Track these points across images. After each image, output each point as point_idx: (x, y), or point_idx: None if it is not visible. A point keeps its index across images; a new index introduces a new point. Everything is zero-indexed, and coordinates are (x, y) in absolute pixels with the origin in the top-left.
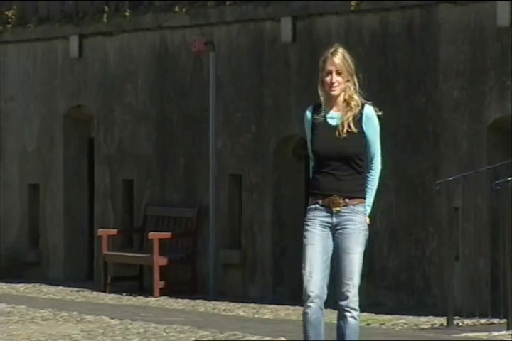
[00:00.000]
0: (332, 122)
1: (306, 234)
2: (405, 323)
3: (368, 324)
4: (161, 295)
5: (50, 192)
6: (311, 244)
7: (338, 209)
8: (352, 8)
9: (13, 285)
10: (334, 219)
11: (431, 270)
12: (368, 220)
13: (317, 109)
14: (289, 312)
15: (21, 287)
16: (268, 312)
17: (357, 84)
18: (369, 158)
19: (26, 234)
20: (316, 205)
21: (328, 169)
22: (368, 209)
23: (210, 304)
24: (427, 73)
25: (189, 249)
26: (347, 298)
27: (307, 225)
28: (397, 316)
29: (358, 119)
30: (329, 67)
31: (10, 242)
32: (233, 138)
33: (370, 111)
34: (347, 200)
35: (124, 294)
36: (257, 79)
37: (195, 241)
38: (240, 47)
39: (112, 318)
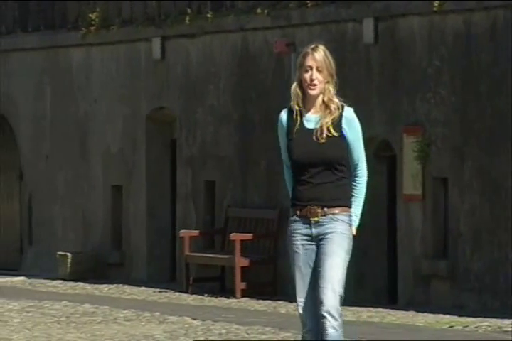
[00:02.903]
0: (309, 125)
1: (291, 253)
2: (489, 326)
3: (451, 326)
4: (242, 296)
5: (133, 193)
6: (297, 265)
7: (316, 219)
8: (435, 8)
9: (97, 285)
10: (314, 230)
11: None
12: (354, 231)
13: (292, 111)
14: (371, 314)
15: (105, 287)
16: (350, 314)
17: (336, 88)
18: (353, 165)
19: (110, 235)
20: (295, 217)
21: (307, 176)
22: (356, 220)
23: (292, 305)
24: (511, 74)
25: (270, 250)
26: (324, 303)
27: (291, 242)
28: (480, 318)
29: (337, 122)
30: (309, 63)
31: (94, 243)
32: None
33: (350, 114)
34: (326, 209)
35: (206, 295)
36: (338, 80)
37: (277, 243)
38: None
39: (194, 319)
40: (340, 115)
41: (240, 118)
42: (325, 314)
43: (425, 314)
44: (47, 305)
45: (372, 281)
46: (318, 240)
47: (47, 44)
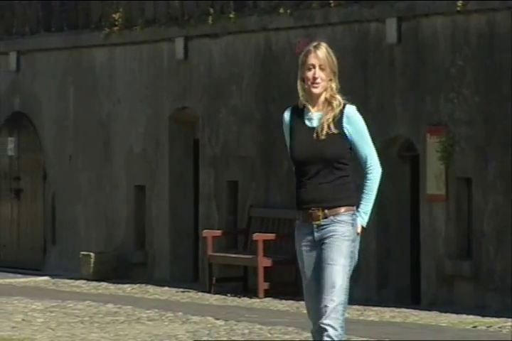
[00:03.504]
0: (310, 124)
1: (298, 257)
2: None
3: (474, 326)
4: (265, 296)
5: (156, 193)
6: (302, 271)
7: (317, 222)
8: (458, 8)
9: (120, 285)
10: (316, 234)
11: None
12: (358, 230)
13: (296, 110)
14: (394, 315)
15: (128, 287)
16: (373, 314)
17: (338, 86)
18: (362, 163)
19: (133, 235)
20: (298, 221)
21: (307, 177)
22: (365, 218)
23: None
24: None
25: (293, 250)
26: (324, 313)
27: (297, 248)
28: (504, 319)
29: (338, 120)
30: (312, 61)
31: (117, 243)
32: None
33: (351, 111)
34: (326, 211)
35: (229, 295)
36: (361, 80)
37: None
38: (345, 48)
39: (217, 319)
40: (341, 112)
41: (263, 118)
42: (324, 326)
43: (448, 314)
44: (70, 305)
45: (396, 281)
46: (320, 244)
47: (70, 44)
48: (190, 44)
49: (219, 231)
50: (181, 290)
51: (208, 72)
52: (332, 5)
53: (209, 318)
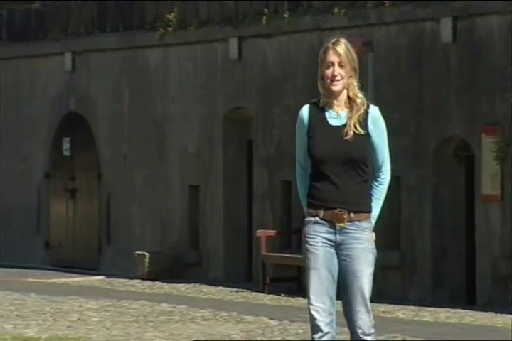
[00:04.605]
0: (334, 122)
1: (308, 255)
2: None
3: None
4: None
5: (210, 193)
6: (314, 268)
7: (341, 225)
8: None
9: (174, 285)
10: (338, 237)
11: None
12: (373, 236)
13: (315, 107)
14: (449, 315)
15: (182, 287)
16: (428, 314)
17: (360, 83)
18: (377, 166)
19: (187, 235)
20: (316, 218)
21: (331, 176)
22: (373, 222)
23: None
24: None
25: None
26: (360, 326)
27: (308, 244)
28: None
29: (363, 120)
30: (331, 58)
31: (171, 242)
32: (391, 139)
33: (376, 112)
34: (352, 215)
35: (283, 295)
36: (416, 79)
37: None
38: (399, 47)
39: (271, 319)
40: (366, 112)
41: None
42: (362, 336)
43: (504, 315)
44: (125, 305)
45: (451, 281)
46: (341, 248)
47: (125, 45)
48: (244, 44)
49: (273, 231)
50: (235, 289)
51: (262, 72)
52: (386, 4)
53: (263, 318)
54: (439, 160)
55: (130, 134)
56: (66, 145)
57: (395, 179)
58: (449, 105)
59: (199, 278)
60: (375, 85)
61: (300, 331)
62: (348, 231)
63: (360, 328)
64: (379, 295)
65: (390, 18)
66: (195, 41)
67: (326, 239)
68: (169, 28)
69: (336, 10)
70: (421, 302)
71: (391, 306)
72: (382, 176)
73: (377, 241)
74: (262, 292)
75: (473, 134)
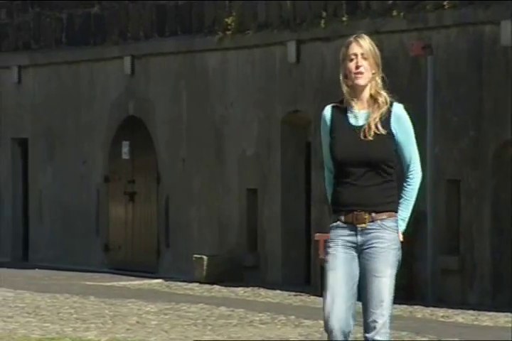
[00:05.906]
0: (355, 122)
1: (327, 257)
2: None
3: None
4: None
5: (268, 197)
6: (332, 269)
7: (363, 225)
8: None
9: (233, 288)
10: (359, 238)
11: None
12: (400, 237)
13: (337, 108)
14: (508, 320)
15: (240, 290)
16: (487, 319)
17: (383, 81)
18: (405, 166)
19: (245, 238)
20: (338, 222)
21: (351, 179)
22: (403, 225)
23: (428, 310)
24: None
25: (406, 254)
26: (373, 329)
27: (329, 247)
28: None
29: (385, 119)
30: (354, 50)
31: (229, 245)
32: (451, 142)
33: (399, 110)
34: (373, 215)
35: None
36: (475, 82)
37: (413, 246)
38: (459, 50)
39: None
40: (389, 111)
41: None
42: (377, 338)
43: None
44: (184, 308)
45: (511, 286)
46: (362, 249)
47: (183, 48)
48: (302, 47)
49: None
50: (293, 293)
51: (320, 76)
52: (446, 7)
53: (321, 322)
54: (498, 163)
55: (188, 138)
56: (125, 148)
57: (455, 182)
58: (509, 108)
59: (257, 281)
60: (435, 88)
61: (358, 335)
62: (369, 231)
63: (376, 331)
64: (438, 299)
65: (450, 20)
66: (253, 45)
67: (348, 241)
68: (228, 32)
69: (394, 12)
70: (480, 306)
71: (450, 310)
72: (410, 176)
73: (437, 245)
74: (320, 296)
75: None
